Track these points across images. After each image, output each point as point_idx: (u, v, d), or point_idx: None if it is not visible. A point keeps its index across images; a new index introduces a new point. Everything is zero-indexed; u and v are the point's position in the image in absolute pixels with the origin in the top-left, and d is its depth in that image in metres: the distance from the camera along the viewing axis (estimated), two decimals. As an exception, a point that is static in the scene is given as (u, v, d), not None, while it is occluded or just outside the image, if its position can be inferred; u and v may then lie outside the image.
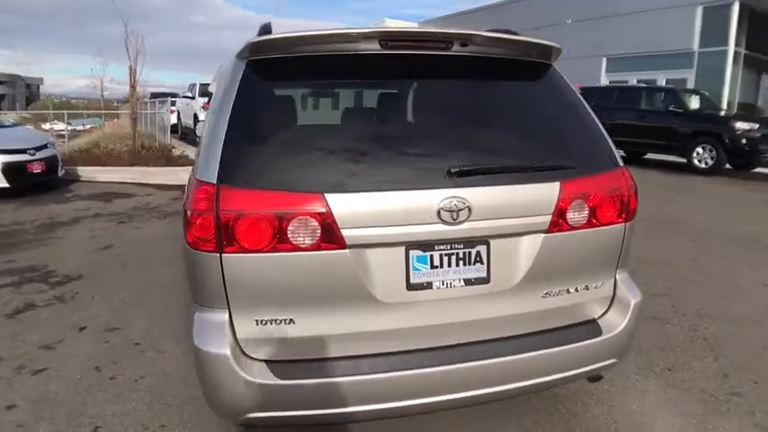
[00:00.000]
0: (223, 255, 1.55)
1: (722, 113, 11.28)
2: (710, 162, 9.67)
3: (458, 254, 1.71)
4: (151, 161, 9.42)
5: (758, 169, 10.21)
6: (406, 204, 1.60)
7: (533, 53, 1.97)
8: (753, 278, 4.10)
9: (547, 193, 1.76)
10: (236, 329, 1.61)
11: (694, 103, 10.73)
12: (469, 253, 1.72)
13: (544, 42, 1.92)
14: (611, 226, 1.88)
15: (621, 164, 1.94)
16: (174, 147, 11.00)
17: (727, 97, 15.51)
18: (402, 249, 1.65)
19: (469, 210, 1.64)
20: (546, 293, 1.85)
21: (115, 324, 3.21)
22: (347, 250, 1.58)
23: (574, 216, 1.79)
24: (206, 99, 13.75)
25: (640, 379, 2.60)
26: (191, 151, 10.34)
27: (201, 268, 1.59)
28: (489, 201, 1.67)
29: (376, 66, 1.83)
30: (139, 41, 9.81)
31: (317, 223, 1.54)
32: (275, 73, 1.76)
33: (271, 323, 1.62)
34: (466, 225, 1.65)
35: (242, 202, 1.53)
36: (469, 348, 1.75)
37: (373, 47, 1.78)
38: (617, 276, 1.99)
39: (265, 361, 1.62)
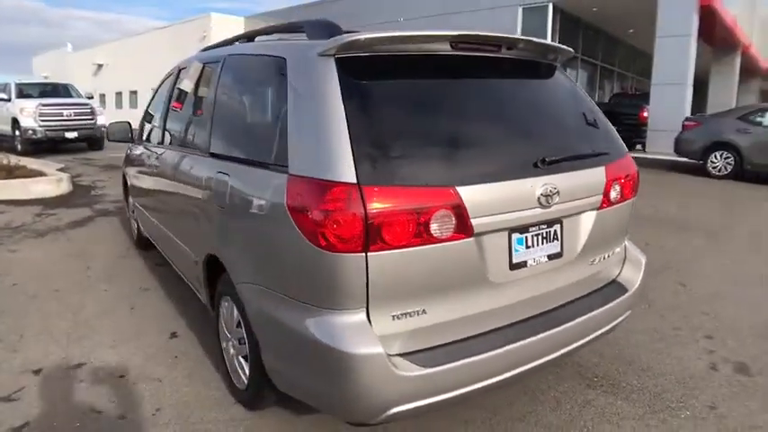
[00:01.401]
0: (369, 254, 1.55)
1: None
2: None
3: (542, 234, 1.94)
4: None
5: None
6: (515, 192, 1.79)
7: (558, 56, 2.27)
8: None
9: (599, 175, 2.09)
10: (373, 327, 1.62)
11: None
12: (550, 232, 1.96)
13: (566, 48, 2.24)
14: (629, 200, 2.29)
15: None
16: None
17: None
18: (506, 233, 1.83)
19: (558, 194, 1.87)
20: (591, 261, 2.18)
21: (77, 358, 2.77)
22: (473, 238, 1.71)
23: (612, 194, 2.15)
24: (36, 101, 11.75)
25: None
26: (26, 161, 8.85)
27: (338, 270, 1.56)
28: (569, 185, 1.93)
29: (449, 65, 1.96)
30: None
31: (452, 215, 1.64)
32: (367, 70, 1.77)
33: (406, 316, 1.67)
34: (554, 208, 1.89)
35: (386, 199, 1.55)
36: (551, 315, 2.01)
37: (445, 47, 1.90)
38: (625, 242, 2.42)
39: (404, 354, 1.66)
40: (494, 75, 2.07)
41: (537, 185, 1.82)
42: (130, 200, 4.70)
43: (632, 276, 2.37)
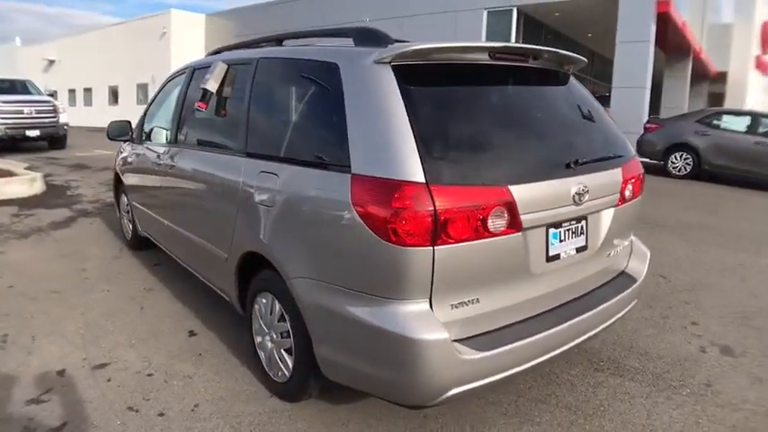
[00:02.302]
0: (435, 247, 1.67)
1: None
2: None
3: (572, 229, 2.12)
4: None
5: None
6: (555, 190, 1.96)
7: (574, 65, 2.46)
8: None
9: (617, 176, 2.29)
10: (435, 316, 1.75)
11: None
12: (578, 227, 2.15)
13: (582, 58, 2.43)
14: (638, 198, 2.50)
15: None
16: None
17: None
18: (544, 229, 1.99)
19: (588, 192, 2.05)
20: (608, 254, 2.38)
21: (98, 358, 2.77)
22: (520, 233, 1.86)
23: (626, 193, 2.36)
24: None
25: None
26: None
27: (407, 262, 1.68)
28: (595, 184, 2.12)
29: (488, 74, 2.11)
30: None
31: (505, 212, 1.78)
32: (421, 77, 1.90)
33: (462, 305, 1.81)
34: (584, 205, 2.07)
35: (451, 197, 1.69)
36: (578, 303, 2.20)
37: (484, 57, 2.05)
38: (632, 236, 2.64)
39: (461, 339, 1.80)
40: (525, 83, 2.24)
41: (572, 185, 2.00)
42: (124, 199, 4.64)
43: (639, 267, 2.58)
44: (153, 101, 4.11)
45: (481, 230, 1.75)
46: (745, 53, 23.59)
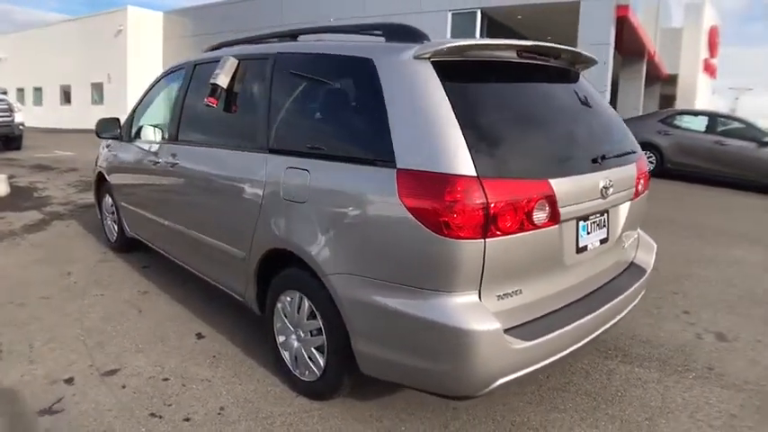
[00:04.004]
0: (487, 240, 1.71)
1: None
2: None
3: (597, 221, 2.19)
4: None
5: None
6: (587, 184, 2.03)
7: (585, 64, 2.54)
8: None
9: (633, 171, 2.39)
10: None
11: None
12: (602, 220, 2.23)
13: (594, 57, 2.52)
14: (646, 192, 2.61)
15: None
16: None
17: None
18: (575, 221, 2.06)
19: (613, 186, 2.14)
20: (623, 245, 2.48)
21: (106, 364, 2.67)
22: (558, 225, 1.92)
23: (639, 187, 2.46)
24: None
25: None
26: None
27: (459, 255, 1.70)
28: (617, 179, 2.21)
29: (518, 71, 2.16)
30: None
31: (547, 205, 1.84)
32: (459, 73, 1.92)
33: (507, 296, 1.85)
34: (609, 198, 2.15)
35: (500, 190, 1.72)
36: (602, 292, 2.28)
37: (513, 55, 2.10)
38: (639, 229, 2.76)
39: (506, 329, 1.83)
40: (548, 80, 2.30)
41: (600, 179, 2.07)
42: (108, 200, 4.47)
43: (646, 259, 2.70)
44: (143, 99, 3.97)
45: (526, 223, 1.79)
46: (695, 56, 24.83)
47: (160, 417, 2.26)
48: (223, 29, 22.94)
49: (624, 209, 2.38)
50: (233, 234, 2.63)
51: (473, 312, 1.74)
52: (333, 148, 2.13)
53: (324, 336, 2.17)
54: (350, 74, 2.13)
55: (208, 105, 2.74)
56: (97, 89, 25.50)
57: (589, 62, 2.52)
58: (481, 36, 18.54)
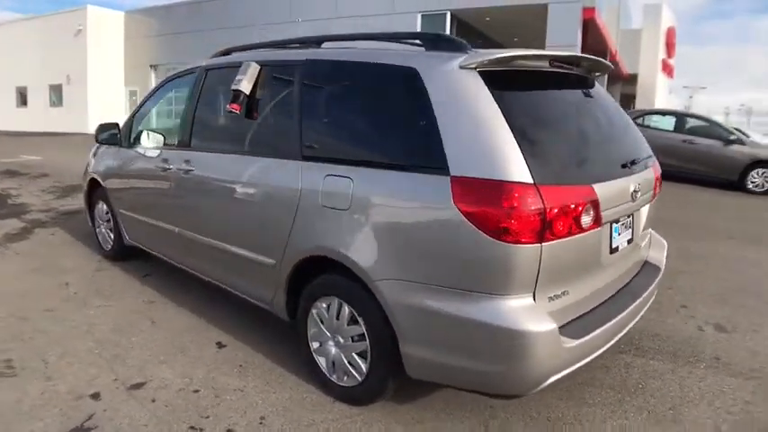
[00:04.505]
0: (543, 244, 1.77)
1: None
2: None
3: (625, 223, 2.30)
4: None
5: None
6: (622, 188, 2.13)
7: (601, 71, 2.65)
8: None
9: (652, 173, 2.50)
10: None
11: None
12: (629, 222, 2.33)
13: (609, 64, 2.63)
14: (658, 194, 2.74)
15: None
16: None
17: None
18: (609, 224, 2.15)
19: (640, 190, 2.24)
20: (642, 245, 2.60)
21: (131, 377, 2.61)
22: (599, 228, 2.00)
23: (655, 191, 2.58)
24: None
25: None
26: None
27: (517, 259, 1.76)
28: (643, 182, 2.32)
29: (554, 80, 2.24)
30: None
31: (592, 209, 1.92)
32: (504, 83, 1.98)
33: (557, 297, 1.92)
34: (637, 201, 2.25)
35: (554, 196, 1.79)
36: (627, 289, 2.40)
37: (545, 64, 2.18)
38: (650, 228, 2.89)
39: (559, 328, 1.90)
40: (577, 87, 2.39)
41: (631, 183, 2.17)
42: (102, 206, 4.34)
43: (659, 257, 2.83)
44: (143, 104, 3.88)
45: (575, 227, 1.87)
46: (653, 57, 25.87)
47: (200, 429, 2.23)
48: (188, 28, 22.51)
49: (644, 211, 2.50)
50: (262, 241, 2.61)
51: (530, 314, 1.80)
52: (377, 155, 2.15)
53: (367, 341, 2.19)
54: (392, 82, 2.15)
55: (231, 112, 2.71)
56: (56, 91, 24.54)
57: (606, 70, 2.62)
58: (451, 38, 18.69)
